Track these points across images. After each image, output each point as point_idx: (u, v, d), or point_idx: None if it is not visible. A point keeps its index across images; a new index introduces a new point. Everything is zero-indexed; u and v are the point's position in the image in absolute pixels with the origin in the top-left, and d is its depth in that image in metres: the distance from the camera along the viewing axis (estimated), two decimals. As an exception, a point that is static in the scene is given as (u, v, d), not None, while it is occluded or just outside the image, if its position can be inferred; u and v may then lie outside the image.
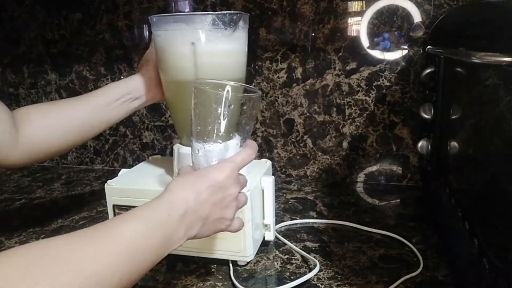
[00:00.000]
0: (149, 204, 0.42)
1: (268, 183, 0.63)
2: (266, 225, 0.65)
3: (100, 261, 0.35)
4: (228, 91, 0.47)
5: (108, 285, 0.35)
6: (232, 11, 0.57)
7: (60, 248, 0.35)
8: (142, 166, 0.73)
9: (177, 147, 0.64)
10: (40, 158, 0.64)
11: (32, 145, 0.61)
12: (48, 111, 0.64)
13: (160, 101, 0.70)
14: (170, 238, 0.41)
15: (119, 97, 0.65)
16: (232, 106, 0.47)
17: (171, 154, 0.67)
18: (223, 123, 0.48)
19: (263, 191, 0.63)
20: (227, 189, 0.46)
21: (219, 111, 0.47)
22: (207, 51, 0.57)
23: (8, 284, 0.30)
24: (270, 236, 0.65)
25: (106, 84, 1.05)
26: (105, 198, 0.63)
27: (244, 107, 0.48)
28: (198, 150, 0.49)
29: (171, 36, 0.59)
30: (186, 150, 0.62)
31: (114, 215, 0.63)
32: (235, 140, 0.51)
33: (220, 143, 0.49)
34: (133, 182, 0.65)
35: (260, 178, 0.63)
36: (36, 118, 0.62)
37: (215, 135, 0.48)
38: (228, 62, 0.59)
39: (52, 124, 0.63)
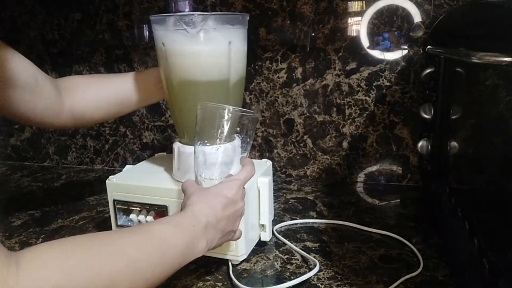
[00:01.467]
0: (176, 214, 0.48)
1: (264, 183, 0.63)
2: (262, 225, 0.65)
3: (141, 250, 0.40)
4: (229, 110, 0.54)
5: (142, 274, 0.40)
6: (199, 13, 0.56)
7: (107, 235, 0.41)
8: (147, 163, 0.74)
9: (177, 145, 0.64)
10: (84, 123, 0.71)
11: (76, 112, 0.67)
12: (93, 83, 0.69)
13: None
14: (195, 245, 0.46)
15: (158, 82, 0.67)
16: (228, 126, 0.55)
17: (171, 153, 0.67)
18: (224, 135, 0.55)
19: (259, 191, 0.63)
20: (236, 204, 0.52)
21: (222, 127, 0.54)
22: (175, 52, 0.59)
23: (67, 259, 0.35)
24: (266, 236, 0.65)
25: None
26: (106, 198, 0.64)
27: (244, 127, 0.56)
28: (199, 155, 0.55)
29: (157, 36, 0.61)
30: (186, 149, 0.63)
31: (115, 210, 0.65)
32: (236, 142, 0.58)
33: (220, 147, 0.55)
34: (133, 178, 0.65)
35: (257, 179, 0.63)
36: (82, 88, 0.68)
37: (217, 139, 0.55)
38: (201, 62, 0.59)
39: (95, 96, 0.68)
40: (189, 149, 0.61)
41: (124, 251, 0.39)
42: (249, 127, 0.56)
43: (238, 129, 0.56)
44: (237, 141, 0.58)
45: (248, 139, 0.57)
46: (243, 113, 0.55)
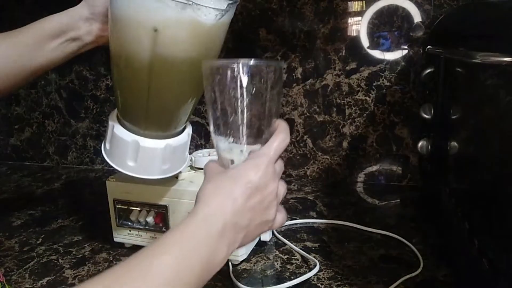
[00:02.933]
0: (185, 223, 0.37)
1: None
2: None
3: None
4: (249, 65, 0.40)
5: None
6: None
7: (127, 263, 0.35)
8: None
9: (112, 124, 0.55)
10: None
11: None
12: None
13: (106, 43, 0.56)
14: (214, 258, 0.37)
15: (51, 36, 0.55)
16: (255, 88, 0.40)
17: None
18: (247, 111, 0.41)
19: None
20: (265, 188, 0.40)
21: (241, 95, 0.40)
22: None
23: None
24: (266, 236, 0.66)
25: (106, 84, 1.05)
26: (106, 198, 0.64)
27: (268, 82, 0.41)
28: (220, 145, 0.43)
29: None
30: (124, 134, 0.54)
31: (115, 209, 0.65)
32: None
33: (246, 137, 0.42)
34: (133, 178, 0.65)
35: None
36: None
37: (240, 127, 0.41)
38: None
39: None
40: (128, 136, 0.54)
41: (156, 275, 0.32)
42: (277, 80, 0.42)
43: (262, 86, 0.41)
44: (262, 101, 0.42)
45: (276, 95, 0.42)
46: (263, 65, 0.41)
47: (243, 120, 0.41)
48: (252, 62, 0.40)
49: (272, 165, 0.41)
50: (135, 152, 0.54)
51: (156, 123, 0.54)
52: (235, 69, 0.39)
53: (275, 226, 0.44)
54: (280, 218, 0.43)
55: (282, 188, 0.43)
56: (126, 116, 0.55)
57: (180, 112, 0.55)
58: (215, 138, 0.43)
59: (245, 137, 0.42)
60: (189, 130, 0.60)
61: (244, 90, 0.40)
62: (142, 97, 0.51)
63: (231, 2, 0.49)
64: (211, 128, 0.43)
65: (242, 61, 0.40)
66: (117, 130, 0.54)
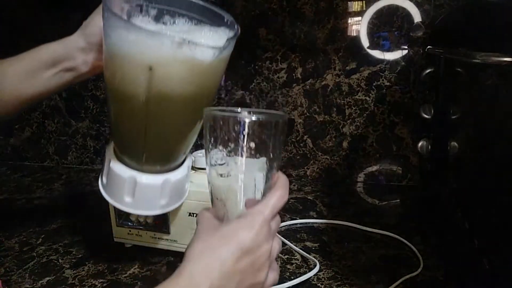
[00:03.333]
0: (170, 280, 0.36)
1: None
2: None
3: None
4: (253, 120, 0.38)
5: None
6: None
7: None
8: None
9: (109, 158, 0.53)
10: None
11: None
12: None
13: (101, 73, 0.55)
14: None
15: (46, 65, 0.54)
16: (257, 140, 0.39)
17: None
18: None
19: None
20: (258, 250, 0.37)
21: (241, 145, 0.38)
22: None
23: None
24: None
25: (106, 84, 1.05)
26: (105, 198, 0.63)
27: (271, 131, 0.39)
28: (215, 193, 0.41)
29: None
30: (122, 171, 0.52)
31: (115, 209, 0.64)
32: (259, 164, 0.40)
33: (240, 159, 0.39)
34: None
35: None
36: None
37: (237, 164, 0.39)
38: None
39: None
40: (124, 172, 0.51)
41: None
42: (277, 132, 0.40)
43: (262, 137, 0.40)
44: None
45: (277, 148, 0.40)
46: (266, 118, 0.39)
47: (241, 171, 0.39)
48: (254, 117, 0.38)
49: (267, 225, 0.38)
50: (132, 188, 0.52)
51: (154, 158, 0.52)
52: (238, 123, 0.38)
53: (266, 287, 0.40)
54: (272, 277, 0.40)
55: (276, 245, 0.41)
56: (123, 151, 0.52)
57: (179, 147, 0.53)
58: (212, 184, 0.41)
59: (242, 188, 0.40)
60: (188, 162, 0.57)
61: (245, 144, 0.38)
62: (139, 133, 0.49)
63: (230, 36, 0.47)
64: (208, 171, 0.41)
65: (245, 115, 0.39)
66: (113, 165, 0.52)
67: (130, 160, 0.52)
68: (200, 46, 0.43)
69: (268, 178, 0.40)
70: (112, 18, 0.43)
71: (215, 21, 0.51)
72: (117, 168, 0.52)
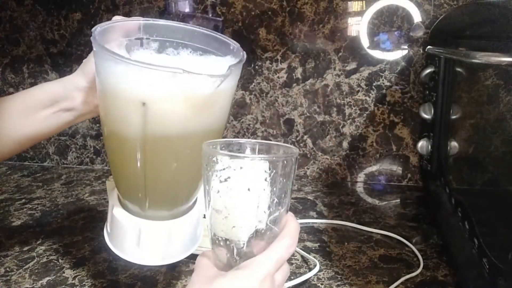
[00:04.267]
0: None
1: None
2: None
3: None
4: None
5: None
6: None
7: None
8: None
9: (112, 204, 0.49)
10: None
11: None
12: None
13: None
14: None
15: (42, 105, 0.52)
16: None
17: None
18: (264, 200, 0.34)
19: None
20: None
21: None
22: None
23: None
24: None
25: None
26: (106, 198, 0.63)
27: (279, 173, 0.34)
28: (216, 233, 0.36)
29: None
30: (125, 220, 0.47)
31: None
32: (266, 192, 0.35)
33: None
34: None
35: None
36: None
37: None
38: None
39: None
40: (127, 219, 0.47)
41: None
42: (290, 171, 0.35)
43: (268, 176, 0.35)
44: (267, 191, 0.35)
45: (286, 187, 0.36)
46: (276, 159, 0.35)
47: (246, 213, 0.35)
48: (260, 160, 0.34)
49: (269, 279, 0.34)
50: (136, 237, 0.46)
51: (158, 203, 0.47)
52: (244, 164, 0.34)
53: None
54: None
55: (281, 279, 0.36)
56: (125, 196, 0.48)
57: (184, 189, 0.48)
58: (211, 225, 0.37)
59: (245, 231, 0.35)
60: (198, 208, 0.51)
61: (250, 186, 0.34)
62: (138, 176, 0.44)
63: (235, 62, 0.42)
64: (207, 213, 0.37)
65: (251, 155, 0.35)
66: (116, 212, 0.48)
67: (133, 205, 0.47)
68: (196, 76, 0.37)
69: (275, 222, 0.36)
70: (100, 51, 0.40)
71: (221, 50, 0.48)
72: (120, 215, 0.47)
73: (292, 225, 0.36)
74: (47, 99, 0.52)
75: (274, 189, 0.34)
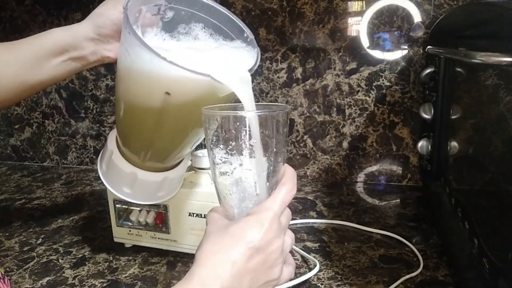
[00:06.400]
0: (181, 284, 0.35)
1: None
2: None
3: None
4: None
5: None
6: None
7: None
8: None
9: (111, 149, 0.53)
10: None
11: None
12: None
13: (112, 61, 0.56)
14: None
15: (52, 54, 0.52)
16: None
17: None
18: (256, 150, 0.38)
19: None
20: (269, 247, 0.37)
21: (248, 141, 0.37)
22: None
23: None
24: None
25: (106, 84, 1.05)
26: (106, 198, 0.64)
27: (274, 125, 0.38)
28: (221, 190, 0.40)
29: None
30: (123, 165, 0.53)
31: (115, 209, 0.65)
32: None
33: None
34: None
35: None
36: None
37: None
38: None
39: None
40: (125, 167, 0.53)
41: None
42: (279, 125, 0.39)
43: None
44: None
45: (281, 142, 0.40)
46: (267, 113, 0.39)
47: (244, 169, 0.38)
48: (254, 113, 0.38)
49: (277, 220, 0.37)
50: (132, 182, 0.53)
51: (157, 158, 0.53)
52: (238, 120, 0.37)
53: (281, 283, 0.40)
54: (287, 273, 0.40)
55: (289, 240, 0.40)
56: (126, 146, 0.53)
57: (183, 149, 0.54)
58: (217, 183, 0.40)
59: (247, 186, 0.39)
60: (186, 161, 0.59)
61: (246, 141, 0.37)
62: (147, 137, 0.49)
63: (246, 48, 0.46)
64: (211, 170, 0.40)
65: (245, 111, 0.39)
66: (115, 158, 0.53)
67: (132, 155, 0.53)
68: (219, 84, 0.41)
69: (274, 172, 0.39)
70: (135, 40, 0.41)
71: (234, 32, 0.50)
72: (119, 161, 0.53)
73: (289, 172, 0.40)
74: (56, 48, 0.52)
75: (273, 140, 0.38)
